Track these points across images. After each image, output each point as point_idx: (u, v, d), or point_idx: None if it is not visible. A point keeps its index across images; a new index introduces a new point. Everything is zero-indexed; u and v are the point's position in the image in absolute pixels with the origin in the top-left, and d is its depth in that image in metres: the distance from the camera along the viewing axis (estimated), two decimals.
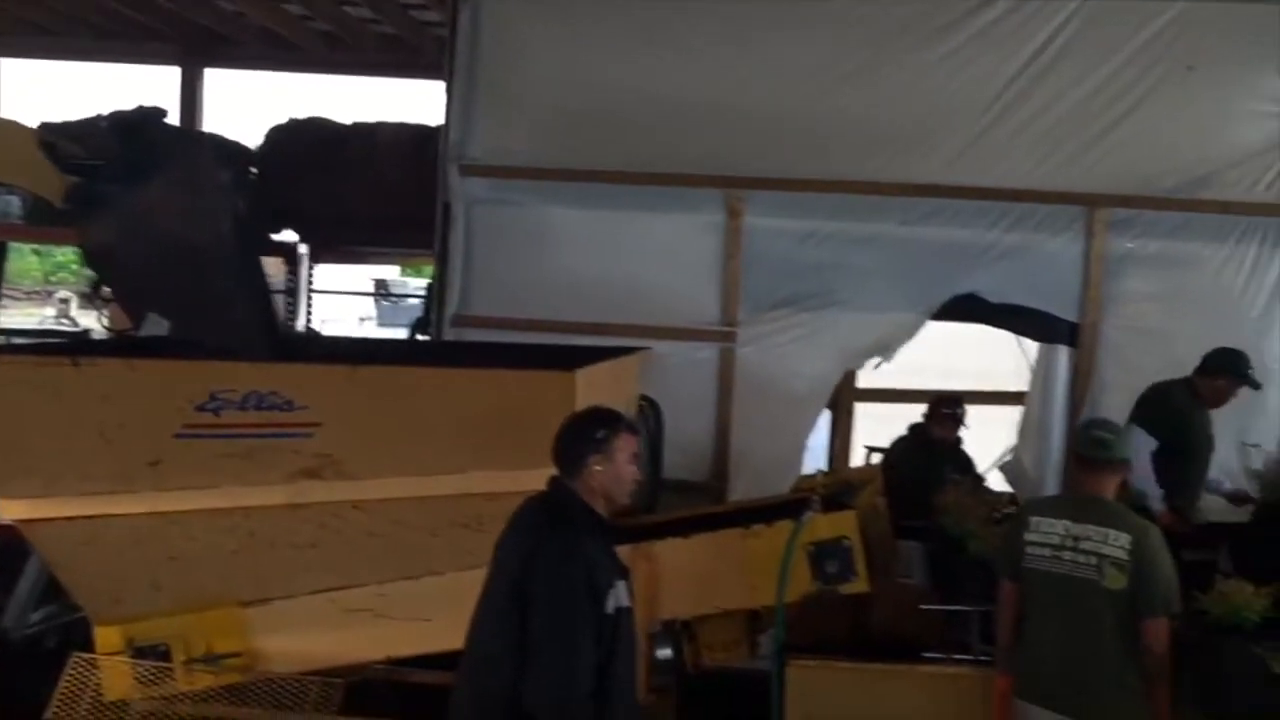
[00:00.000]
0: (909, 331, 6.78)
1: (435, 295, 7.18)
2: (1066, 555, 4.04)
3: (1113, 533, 4.00)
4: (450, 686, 5.03)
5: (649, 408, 6.09)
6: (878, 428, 8.69)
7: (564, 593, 3.19)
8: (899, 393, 9.11)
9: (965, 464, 6.88)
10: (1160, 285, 6.62)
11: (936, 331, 7.12)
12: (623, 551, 4.61)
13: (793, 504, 4.91)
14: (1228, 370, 5.76)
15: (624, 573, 3.40)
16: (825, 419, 8.39)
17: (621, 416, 3.51)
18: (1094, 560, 3.99)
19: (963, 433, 6.99)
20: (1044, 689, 4.03)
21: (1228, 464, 6.26)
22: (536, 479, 4.45)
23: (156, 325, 5.00)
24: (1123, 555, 3.96)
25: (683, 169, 6.78)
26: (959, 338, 7.60)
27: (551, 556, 3.24)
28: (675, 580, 4.67)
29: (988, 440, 7.49)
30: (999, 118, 6.62)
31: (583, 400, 4.41)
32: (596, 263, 6.85)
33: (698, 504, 6.05)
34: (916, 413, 7.19)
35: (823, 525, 4.66)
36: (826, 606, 4.81)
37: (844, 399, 8.55)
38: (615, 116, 6.80)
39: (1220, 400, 5.82)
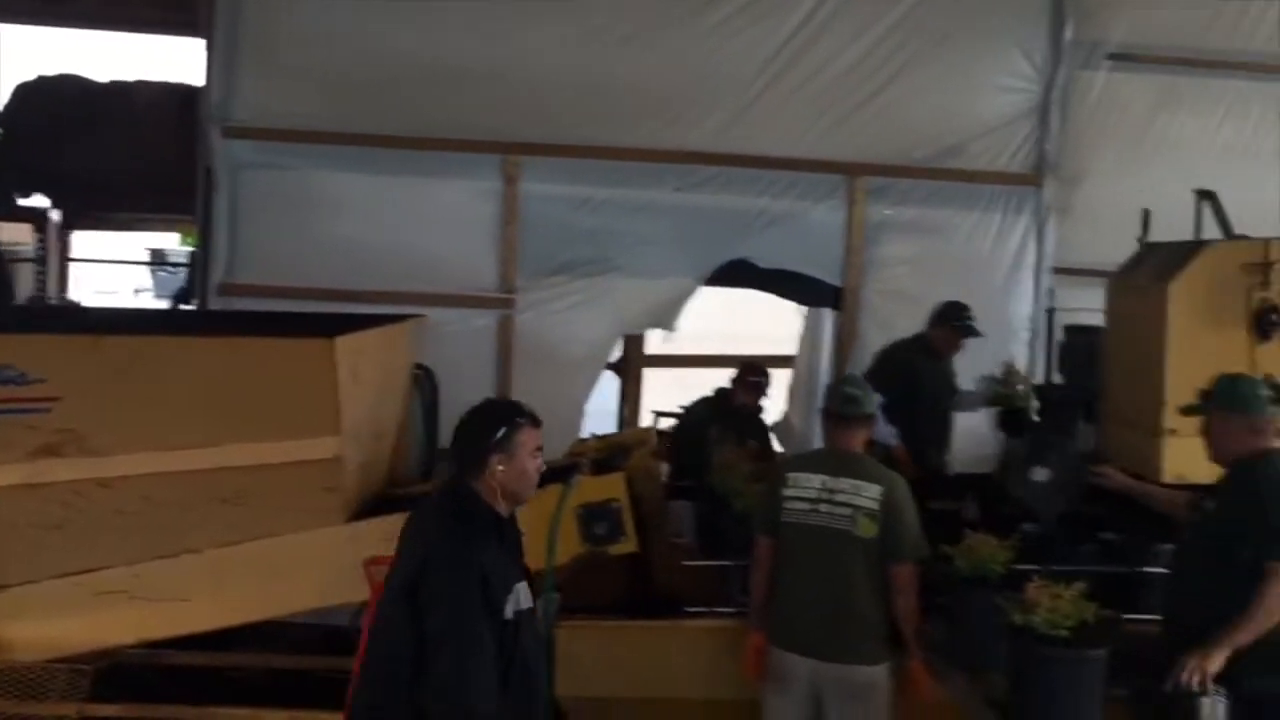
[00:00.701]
0: (683, 296, 6.95)
1: (199, 263, 6.88)
2: (823, 508, 4.21)
3: (864, 484, 4.19)
4: (214, 667, 4.97)
5: (424, 376, 6.02)
6: (666, 393, 8.87)
7: (455, 597, 2.99)
8: (686, 358, 9.33)
9: (761, 431, 6.97)
10: (915, 250, 7.01)
11: (722, 298, 7.30)
12: (390, 523, 4.61)
13: (563, 468, 4.94)
14: (945, 319, 6.11)
15: (525, 574, 3.25)
16: (615, 384, 8.51)
17: (522, 410, 3.27)
18: (848, 511, 4.17)
19: (765, 402, 7.08)
20: (802, 638, 4.19)
21: (979, 419, 6.63)
22: (298, 450, 4.39)
23: None
24: (874, 505, 4.15)
25: (459, 134, 6.72)
26: (745, 304, 7.81)
27: (443, 561, 3.04)
28: None
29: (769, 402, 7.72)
30: (766, 87, 6.84)
31: (344, 368, 4.33)
32: (372, 229, 6.72)
33: None
34: (702, 377, 7.31)
35: (592, 488, 4.70)
36: (600, 567, 4.88)
37: (633, 365, 8.68)
38: (388, 79, 6.67)
39: (948, 348, 6.13)
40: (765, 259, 6.95)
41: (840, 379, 4.84)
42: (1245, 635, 3.55)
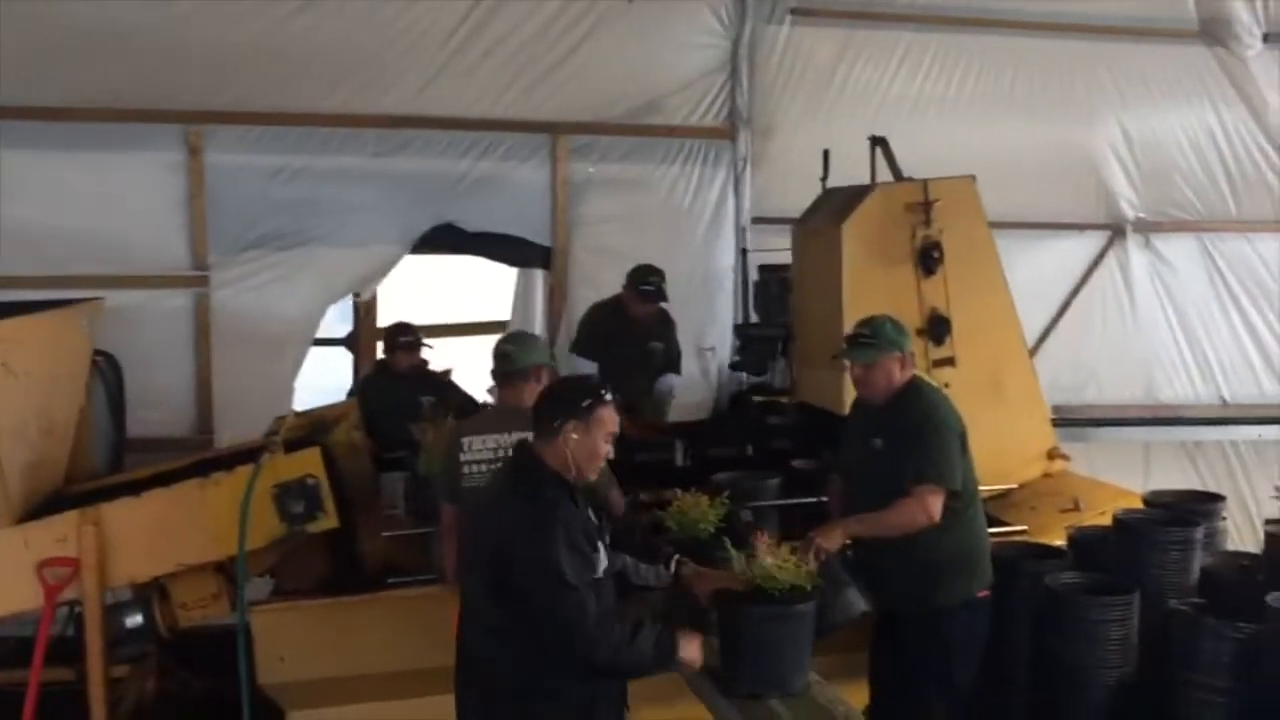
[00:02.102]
0: (390, 264, 6.81)
1: None
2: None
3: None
4: None
5: (106, 364, 5.65)
6: None
7: (550, 565, 3.01)
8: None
9: (441, 388, 6.72)
10: (619, 206, 7.10)
11: (457, 266, 7.22)
12: (68, 519, 4.32)
13: (254, 449, 4.75)
14: (630, 282, 6.20)
15: (601, 536, 3.28)
16: (348, 359, 8.23)
17: (608, 390, 3.31)
18: None
19: (427, 355, 6.84)
20: None
21: (689, 368, 6.84)
22: None
23: None
24: None
25: (135, 104, 6.32)
26: (488, 271, 7.66)
27: (526, 535, 3.06)
28: (130, 542, 4.36)
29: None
30: (461, 47, 6.74)
31: None
32: (44, 209, 6.25)
33: (175, 460, 5.72)
34: (438, 348, 7.12)
35: (285, 466, 4.53)
36: (306, 546, 4.73)
37: (365, 340, 8.41)
38: (53, 47, 6.19)
39: (635, 308, 6.20)
40: (472, 222, 6.88)
41: (501, 338, 4.76)
42: (862, 528, 3.86)
